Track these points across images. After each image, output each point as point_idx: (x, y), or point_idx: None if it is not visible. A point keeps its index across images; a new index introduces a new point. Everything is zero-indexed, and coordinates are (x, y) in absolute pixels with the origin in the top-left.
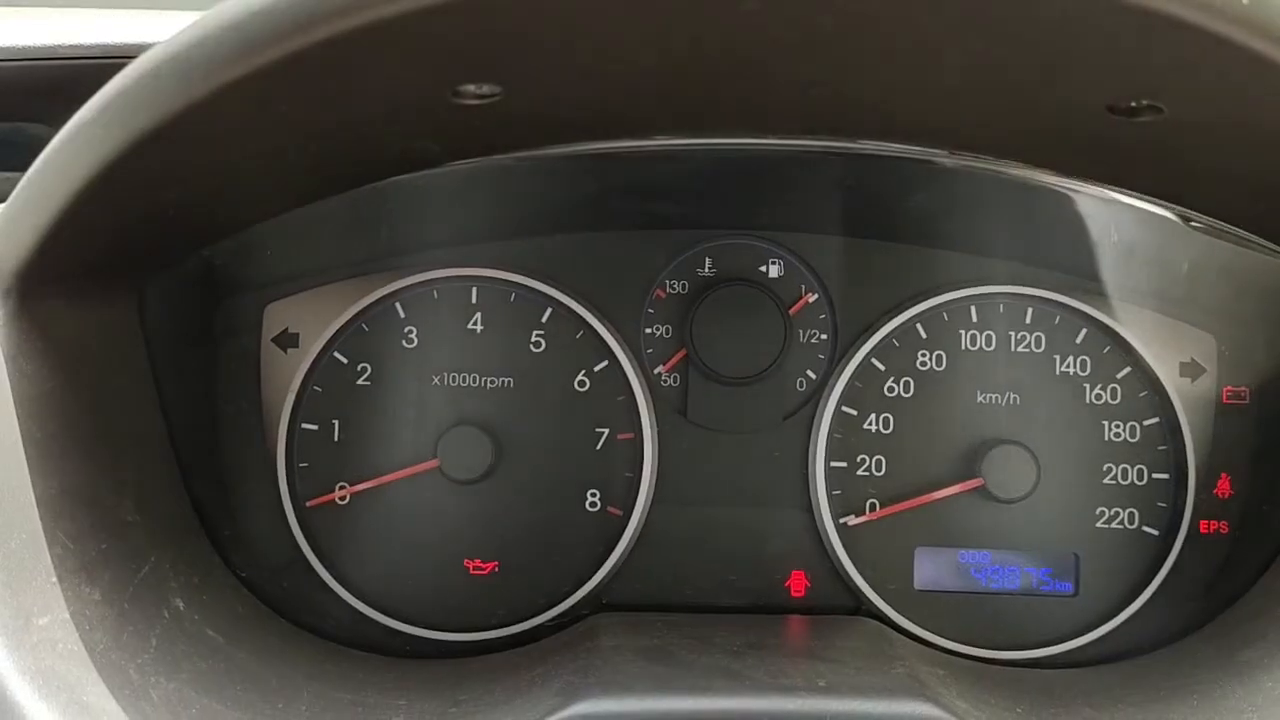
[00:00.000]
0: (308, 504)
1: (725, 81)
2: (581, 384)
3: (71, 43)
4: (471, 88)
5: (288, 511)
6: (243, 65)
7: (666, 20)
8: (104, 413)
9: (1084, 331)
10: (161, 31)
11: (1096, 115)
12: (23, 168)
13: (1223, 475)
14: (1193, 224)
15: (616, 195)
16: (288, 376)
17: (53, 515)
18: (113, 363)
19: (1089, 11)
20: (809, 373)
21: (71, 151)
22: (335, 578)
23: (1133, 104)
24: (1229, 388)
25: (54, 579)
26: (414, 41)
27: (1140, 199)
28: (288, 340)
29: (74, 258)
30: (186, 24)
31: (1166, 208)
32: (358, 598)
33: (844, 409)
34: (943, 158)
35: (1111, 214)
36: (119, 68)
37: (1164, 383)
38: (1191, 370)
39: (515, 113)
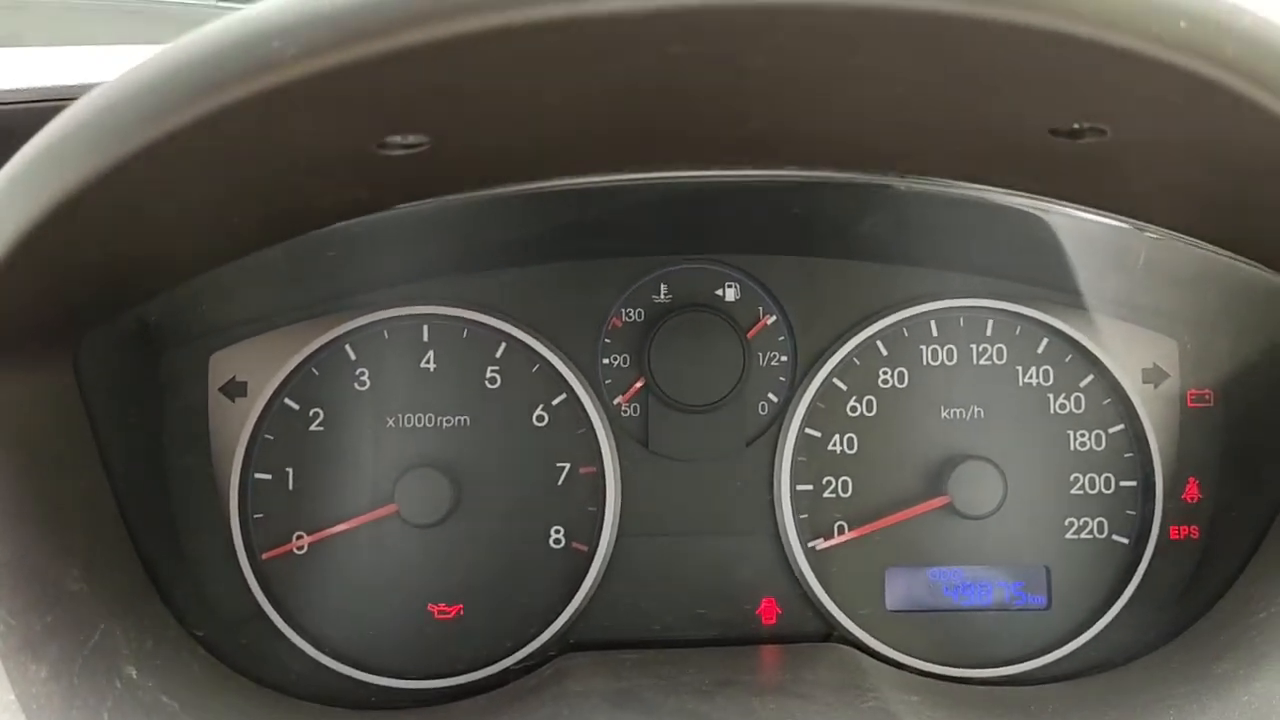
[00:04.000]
0: (264, 556)
1: (660, 122)
2: (540, 418)
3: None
4: (397, 139)
5: (243, 565)
6: (152, 129)
7: (593, 68)
8: (43, 479)
9: (1045, 341)
10: (103, 70)
11: (1040, 138)
12: None
13: (1190, 480)
14: (1147, 233)
15: (561, 231)
16: (237, 426)
17: None
18: (50, 427)
19: (1024, 41)
20: (770, 396)
21: None
22: (295, 630)
23: (1075, 126)
24: (1193, 391)
25: None
26: (329, 99)
27: (1093, 212)
28: (235, 389)
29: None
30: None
31: (1120, 220)
32: (319, 649)
33: (807, 431)
34: (894, 180)
35: (1067, 224)
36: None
37: (1127, 389)
38: (1154, 375)
39: (444, 160)
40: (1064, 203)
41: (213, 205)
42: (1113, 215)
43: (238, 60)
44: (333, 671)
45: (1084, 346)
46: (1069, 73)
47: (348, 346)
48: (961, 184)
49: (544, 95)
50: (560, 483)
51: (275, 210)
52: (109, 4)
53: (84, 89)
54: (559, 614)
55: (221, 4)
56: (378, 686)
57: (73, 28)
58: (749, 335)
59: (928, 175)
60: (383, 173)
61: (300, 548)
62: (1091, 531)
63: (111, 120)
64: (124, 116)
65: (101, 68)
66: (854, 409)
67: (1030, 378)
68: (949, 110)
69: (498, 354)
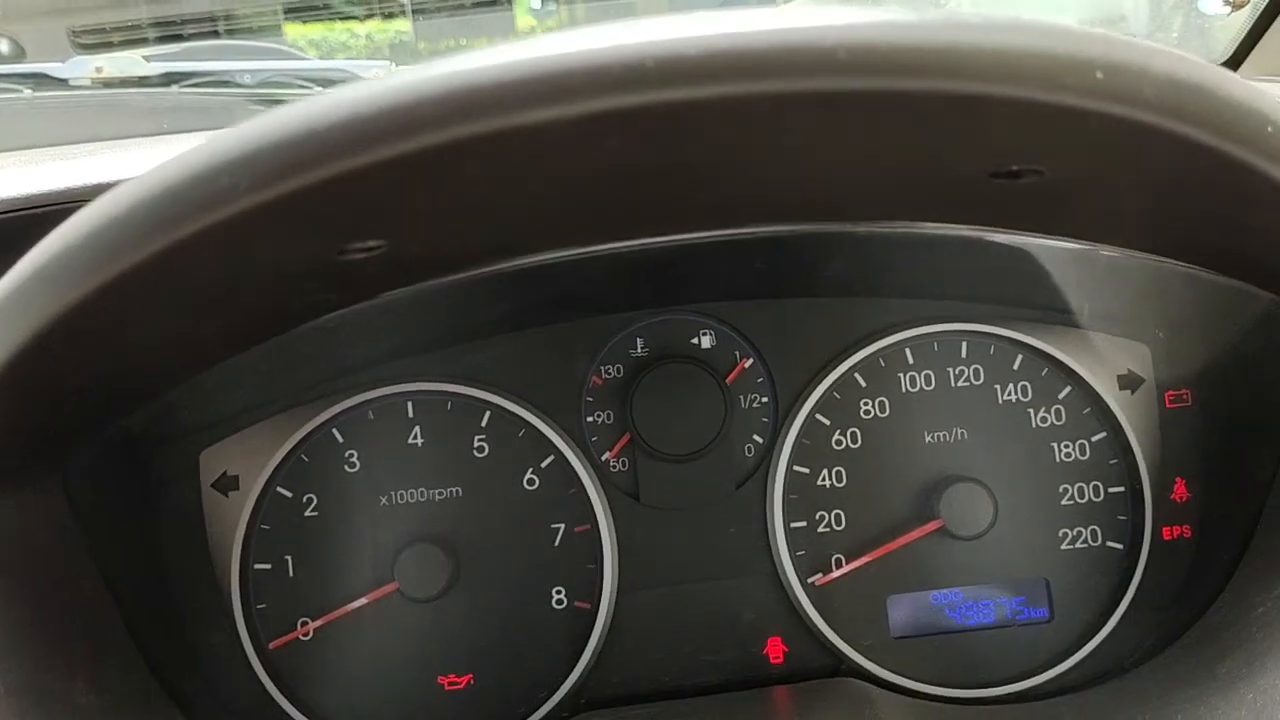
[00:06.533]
0: (271, 646)
1: (611, 202)
2: (531, 482)
3: None
4: (356, 244)
5: (251, 656)
6: (112, 266)
7: (532, 170)
8: (43, 597)
9: (1020, 358)
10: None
11: (982, 182)
12: None
13: (1177, 480)
14: (1103, 253)
15: (532, 301)
16: (233, 520)
17: None
18: (44, 544)
19: (945, 104)
20: (756, 438)
21: None
22: (308, 716)
23: (1013, 169)
24: (1170, 392)
25: None
26: (284, 222)
27: (1050, 238)
28: (228, 483)
29: None
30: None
31: (1077, 243)
32: None
33: (795, 468)
34: (852, 227)
35: (1029, 245)
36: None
37: (1105, 397)
38: (1130, 381)
39: (404, 257)
40: (1021, 233)
41: (183, 324)
42: (1069, 240)
43: (190, 198)
44: None
45: (1058, 359)
46: (997, 126)
47: (335, 430)
48: (919, 224)
49: (490, 195)
50: (556, 543)
51: (249, 320)
52: (74, 100)
53: (48, 197)
54: (568, 675)
55: (185, 90)
56: None
57: (38, 126)
58: (728, 380)
59: (882, 221)
60: (346, 275)
61: (306, 634)
62: (1086, 540)
63: (67, 263)
64: (80, 257)
65: (69, 173)
66: (839, 442)
67: (1009, 395)
68: (888, 167)
69: (483, 423)
